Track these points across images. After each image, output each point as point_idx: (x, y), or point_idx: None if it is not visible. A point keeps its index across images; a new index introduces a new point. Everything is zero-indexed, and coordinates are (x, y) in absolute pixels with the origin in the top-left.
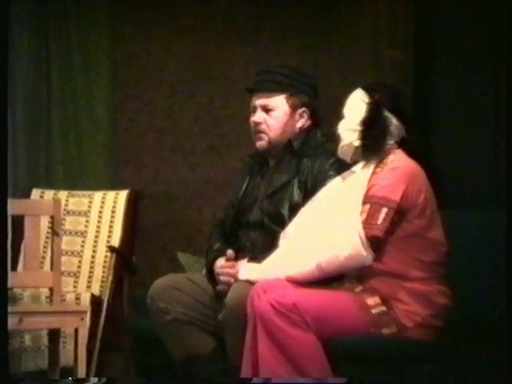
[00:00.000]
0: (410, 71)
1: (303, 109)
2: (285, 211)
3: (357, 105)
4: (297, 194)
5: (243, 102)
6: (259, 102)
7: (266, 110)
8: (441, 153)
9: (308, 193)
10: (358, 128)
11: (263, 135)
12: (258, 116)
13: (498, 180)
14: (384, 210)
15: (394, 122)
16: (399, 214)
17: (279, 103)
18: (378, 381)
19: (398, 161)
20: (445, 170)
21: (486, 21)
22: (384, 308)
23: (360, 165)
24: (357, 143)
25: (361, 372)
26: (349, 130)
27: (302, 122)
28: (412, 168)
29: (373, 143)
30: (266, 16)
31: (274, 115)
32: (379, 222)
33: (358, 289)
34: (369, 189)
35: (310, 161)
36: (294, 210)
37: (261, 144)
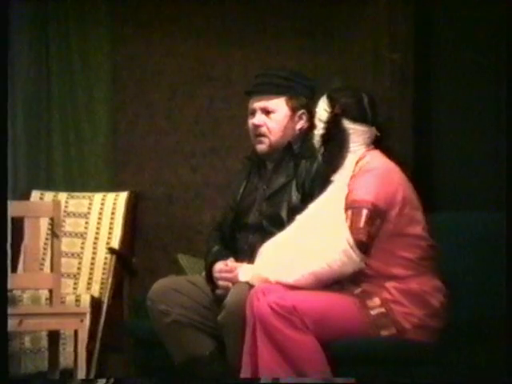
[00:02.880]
0: (409, 73)
1: (302, 111)
2: (283, 213)
3: (321, 115)
4: (295, 196)
5: (243, 103)
6: (258, 104)
7: (266, 112)
8: (441, 155)
9: (306, 194)
10: (318, 140)
11: (264, 139)
12: (258, 119)
13: (498, 182)
14: (364, 213)
15: (358, 129)
16: (379, 214)
17: (279, 105)
18: (385, 381)
19: (373, 162)
20: (445, 171)
21: (486, 23)
22: (383, 310)
23: (338, 172)
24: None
25: (361, 373)
26: (316, 140)
27: (301, 123)
28: (387, 168)
29: (330, 156)
30: (266, 18)
31: (275, 118)
32: (361, 225)
33: (357, 291)
34: (348, 194)
35: (307, 162)
36: (293, 212)
37: (261, 148)
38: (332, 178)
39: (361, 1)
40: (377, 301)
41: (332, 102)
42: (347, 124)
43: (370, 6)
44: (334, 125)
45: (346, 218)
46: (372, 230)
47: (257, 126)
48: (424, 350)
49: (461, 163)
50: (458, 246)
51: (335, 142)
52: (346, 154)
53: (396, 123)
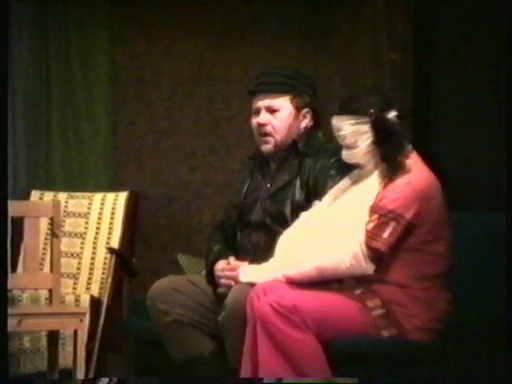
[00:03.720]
0: (409, 73)
1: (306, 109)
2: (287, 211)
3: (358, 129)
4: (299, 194)
5: (243, 103)
6: (263, 103)
7: (271, 111)
8: (441, 155)
9: (309, 192)
10: (372, 149)
11: (269, 138)
12: (263, 117)
13: (498, 182)
14: (392, 225)
15: (396, 115)
16: (407, 230)
17: (284, 104)
18: (385, 381)
19: (415, 172)
20: (444, 171)
21: (486, 23)
22: (384, 310)
23: (375, 173)
24: (380, 164)
25: (361, 373)
26: (364, 155)
27: (305, 122)
28: (428, 184)
29: (390, 155)
30: (266, 18)
31: (279, 116)
32: (385, 235)
33: (359, 291)
34: (380, 199)
35: (311, 160)
36: (296, 209)
37: (267, 148)
38: (363, 174)
39: (360, 1)
40: (378, 301)
41: (360, 112)
42: (389, 117)
43: (369, 6)
44: (379, 128)
45: (369, 221)
46: (394, 242)
47: (262, 125)
48: (424, 349)
49: (460, 164)
50: (457, 245)
51: (390, 141)
52: (406, 146)
53: None
